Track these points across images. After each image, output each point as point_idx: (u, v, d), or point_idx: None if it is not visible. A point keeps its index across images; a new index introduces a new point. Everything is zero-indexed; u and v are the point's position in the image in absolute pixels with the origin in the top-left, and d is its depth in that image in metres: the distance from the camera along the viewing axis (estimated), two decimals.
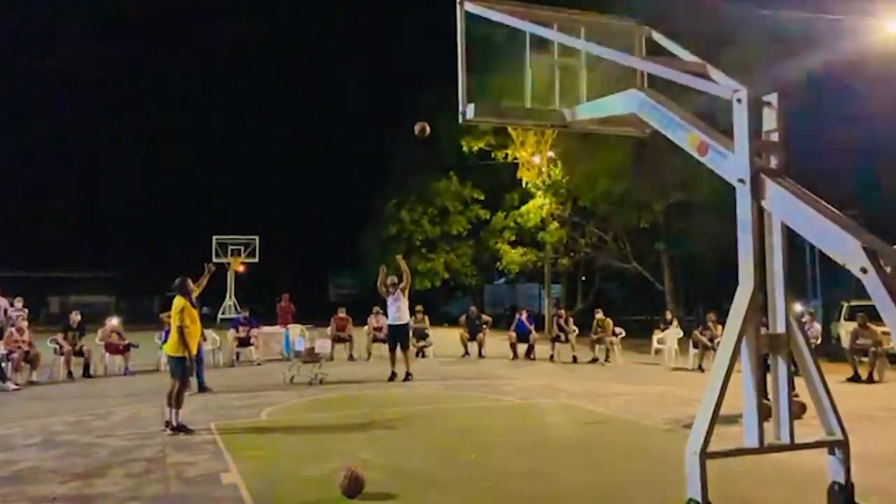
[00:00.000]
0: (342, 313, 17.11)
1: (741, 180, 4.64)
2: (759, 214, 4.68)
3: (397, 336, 13.10)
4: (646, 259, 26.73)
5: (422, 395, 11.31)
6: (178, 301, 8.42)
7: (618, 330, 16.63)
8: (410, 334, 13.20)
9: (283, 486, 5.99)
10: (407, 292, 13.12)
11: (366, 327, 17.01)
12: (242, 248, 35.73)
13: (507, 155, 27.59)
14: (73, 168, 41.42)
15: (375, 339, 16.38)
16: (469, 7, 6.40)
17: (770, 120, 4.82)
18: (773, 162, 4.81)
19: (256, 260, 35.89)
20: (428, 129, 6.76)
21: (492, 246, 29.71)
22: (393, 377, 12.77)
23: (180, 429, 8.07)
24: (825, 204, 4.40)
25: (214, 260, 32.75)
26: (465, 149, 27.57)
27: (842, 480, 4.63)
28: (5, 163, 37.09)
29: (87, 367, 13.54)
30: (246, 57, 46.21)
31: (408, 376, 12.60)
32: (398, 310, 12.99)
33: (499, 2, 6.53)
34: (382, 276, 13.21)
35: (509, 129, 25.12)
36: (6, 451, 7.36)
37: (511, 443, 7.78)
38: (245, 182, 44.65)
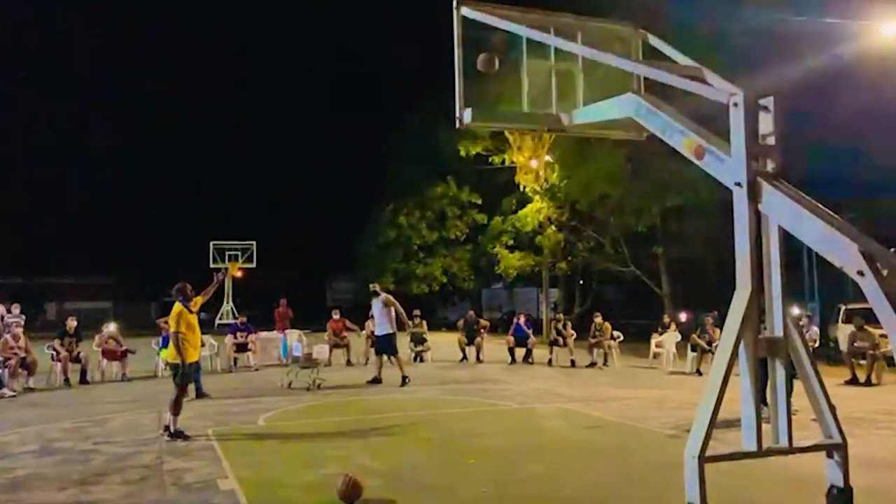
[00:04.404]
0: (336, 315, 17.08)
1: (738, 184, 4.64)
2: (757, 218, 4.67)
3: (379, 345, 13.32)
4: (643, 263, 26.74)
5: (420, 400, 11.29)
6: (176, 307, 8.40)
7: (616, 334, 16.63)
8: (394, 342, 13.11)
9: (281, 493, 5.98)
10: (393, 309, 13.19)
11: (364, 332, 17.00)
12: (240, 253, 35.72)
13: (504, 159, 27.62)
14: (70, 174, 41.40)
15: (373, 345, 16.35)
16: (466, 12, 6.40)
17: (767, 123, 4.82)
18: (770, 165, 4.80)
19: (254, 265, 35.86)
20: (497, 61, 6.36)
21: (489, 250, 29.69)
22: (374, 382, 12.85)
23: (178, 435, 8.04)
24: (822, 207, 4.41)
25: (212, 265, 32.78)
26: (462, 153, 27.57)
27: (840, 484, 4.62)
28: (3, 170, 37.08)
29: (84, 373, 13.50)
30: (244, 61, 46.33)
31: (404, 380, 12.61)
32: (379, 321, 13.15)
33: (496, 6, 6.53)
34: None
35: (506, 134, 25.12)
36: (3, 458, 7.33)
37: (509, 447, 7.77)
38: (242, 187, 44.67)
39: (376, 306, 13.24)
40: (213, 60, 45.13)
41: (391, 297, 13.40)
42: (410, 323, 15.65)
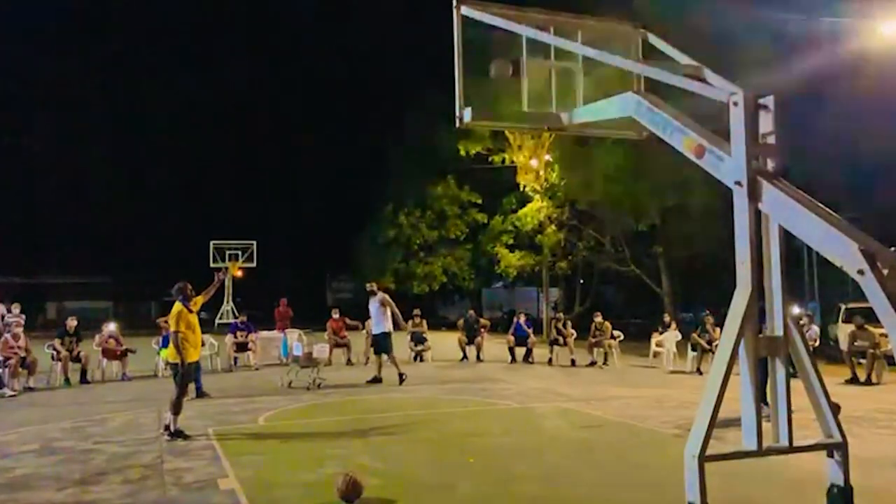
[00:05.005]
0: (336, 315, 17.07)
1: (738, 183, 4.63)
2: (757, 217, 4.67)
3: (375, 343, 13.44)
4: (644, 262, 26.74)
5: (420, 399, 11.29)
6: (176, 306, 8.40)
7: (616, 333, 16.63)
8: (389, 341, 13.09)
9: (281, 492, 5.97)
10: (389, 308, 13.24)
11: (364, 330, 16.99)
12: (240, 252, 35.71)
13: (504, 159, 27.63)
14: (70, 174, 41.37)
15: (373, 344, 16.34)
16: (466, 11, 6.39)
17: (767, 123, 4.82)
18: (770, 165, 4.80)
19: (254, 265, 35.87)
20: (511, 67, 6.30)
21: (490, 249, 29.72)
22: (374, 381, 12.89)
23: (178, 434, 8.04)
24: (822, 206, 4.40)
25: (212, 265, 32.76)
26: (462, 152, 27.61)
27: (841, 483, 4.62)
28: (3, 170, 37.06)
29: (84, 372, 13.50)
30: (243, 61, 46.31)
31: (401, 378, 12.65)
32: (376, 320, 13.24)
33: (496, 5, 6.53)
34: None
35: (506, 133, 25.14)
36: (3, 458, 7.32)
37: (509, 447, 7.77)
38: (243, 186, 44.67)
39: (373, 305, 13.31)
40: (212, 60, 45.13)
41: (387, 297, 13.46)
42: (406, 324, 15.63)
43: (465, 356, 17.17)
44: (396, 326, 13.61)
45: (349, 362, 16.42)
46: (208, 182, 43.76)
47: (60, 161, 41.30)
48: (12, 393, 11.96)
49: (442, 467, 6.89)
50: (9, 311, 16.47)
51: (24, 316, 16.16)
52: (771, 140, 4.81)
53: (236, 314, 28.05)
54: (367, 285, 14.02)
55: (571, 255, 28.77)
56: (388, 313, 13.12)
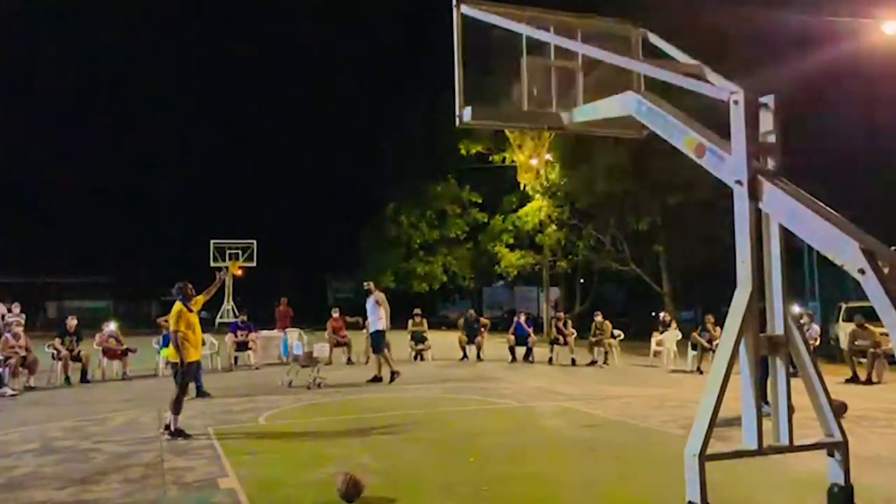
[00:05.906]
0: (336, 314, 17.08)
1: (738, 182, 4.63)
2: (757, 216, 4.67)
3: (370, 342, 13.51)
4: (644, 261, 26.74)
5: (420, 398, 11.29)
6: (176, 306, 8.40)
7: (616, 332, 16.63)
8: (381, 339, 13.15)
9: (282, 491, 5.97)
10: (382, 307, 13.30)
11: (364, 329, 16.98)
12: (241, 252, 35.66)
13: (504, 158, 27.63)
14: (70, 173, 41.38)
15: None
16: (465, 10, 6.39)
17: (767, 122, 4.82)
18: (771, 164, 4.80)
19: (254, 264, 35.84)
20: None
21: (490, 249, 29.73)
22: (374, 380, 12.93)
23: (178, 434, 8.04)
24: (823, 205, 4.40)
25: (212, 264, 32.75)
26: (463, 152, 27.61)
27: (841, 482, 4.62)
28: (2, 168, 37.08)
29: (84, 372, 13.51)
30: (244, 62, 46.33)
31: (393, 376, 12.73)
32: (371, 319, 13.30)
33: (495, 4, 6.53)
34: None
35: (507, 132, 25.14)
36: (4, 457, 7.32)
37: (510, 446, 7.76)
38: (243, 186, 44.70)
39: (369, 304, 13.38)
40: (211, 58, 45.15)
41: (382, 296, 13.53)
42: (411, 321, 15.67)
43: (465, 355, 17.18)
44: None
45: (349, 362, 16.42)
46: (209, 181, 43.80)
47: (60, 161, 41.32)
48: (13, 392, 11.96)
49: (442, 467, 6.88)
50: (9, 310, 16.48)
51: (24, 315, 16.18)
52: (771, 139, 4.81)
53: (236, 313, 28.04)
54: (364, 284, 14.09)
55: (571, 254, 28.77)
56: (383, 312, 13.18)
